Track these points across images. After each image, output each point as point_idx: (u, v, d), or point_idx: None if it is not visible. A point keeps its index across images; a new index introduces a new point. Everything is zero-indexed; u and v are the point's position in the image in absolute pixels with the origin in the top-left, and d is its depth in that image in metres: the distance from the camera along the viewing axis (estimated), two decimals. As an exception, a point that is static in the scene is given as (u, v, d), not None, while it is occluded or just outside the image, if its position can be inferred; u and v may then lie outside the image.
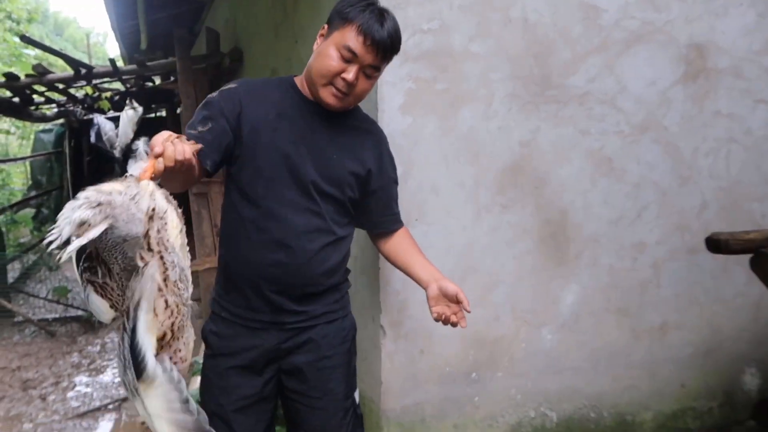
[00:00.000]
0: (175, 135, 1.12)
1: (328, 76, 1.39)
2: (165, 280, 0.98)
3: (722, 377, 2.47)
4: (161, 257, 0.98)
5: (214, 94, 1.47)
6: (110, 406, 3.40)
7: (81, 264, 1.01)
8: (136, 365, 0.95)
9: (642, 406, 2.39)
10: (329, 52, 1.38)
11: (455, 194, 2.11)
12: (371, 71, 1.42)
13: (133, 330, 0.96)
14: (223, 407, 1.50)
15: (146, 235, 0.96)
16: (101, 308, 1.03)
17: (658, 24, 2.22)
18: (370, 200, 1.61)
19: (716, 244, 1.94)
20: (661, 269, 2.34)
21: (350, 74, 1.37)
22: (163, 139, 1.08)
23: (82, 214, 0.91)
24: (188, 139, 1.32)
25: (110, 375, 3.88)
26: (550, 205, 2.21)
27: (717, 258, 2.26)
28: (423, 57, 2.02)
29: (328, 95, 1.42)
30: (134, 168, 1.06)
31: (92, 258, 1.01)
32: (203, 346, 1.62)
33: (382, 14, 1.39)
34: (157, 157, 1.05)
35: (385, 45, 1.38)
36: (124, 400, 3.46)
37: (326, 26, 1.45)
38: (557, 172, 2.20)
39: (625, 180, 2.26)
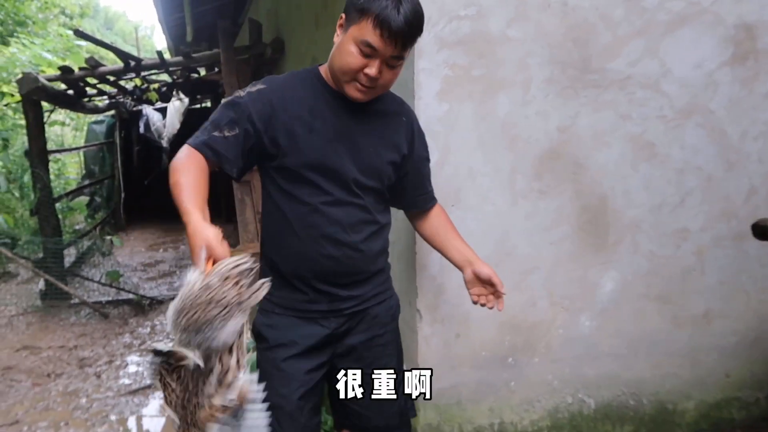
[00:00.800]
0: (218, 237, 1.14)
1: (350, 73, 1.37)
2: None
3: (769, 368, 2.40)
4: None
5: (242, 93, 1.45)
6: (160, 385, 3.55)
7: (163, 357, 1.06)
8: None
9: (683, 395, 2.35)
10: (349, 49, 1.34)
11: (492, 180, 2.11)
12: (394, 61, 1.37)
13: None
14: (287, 397, 1.51)
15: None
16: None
17: (705, 4, 2.15)
18: (405, 181, 1.63)
19: (763, 231, 1.89)
20: (705, 256, 2.29)
21: (373, 69, 1.34)
22: (216, 246, 1.11)
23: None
24: (213, 141, 1.38)
25: (159, 355, 4.04)
26: (589, 191, 2.19)
27: (765, 245, 2.19)
28: (460, 43, 2.02)
29: (353, 91, 1.40)
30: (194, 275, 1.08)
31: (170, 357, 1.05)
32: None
33: (404, 9, 1.31)
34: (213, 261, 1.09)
35: (404, 34, 1.31)
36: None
37: (344, 16, 1.40)
38: (596, 158, 2.17)
39: (667, 165, 2.22)
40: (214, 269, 1.04)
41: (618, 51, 2.12)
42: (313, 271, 1.51)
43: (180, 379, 1.04)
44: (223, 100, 1.49)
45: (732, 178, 2.27)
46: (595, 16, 2.09)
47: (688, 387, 2.36)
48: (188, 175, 1.32)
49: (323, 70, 1.52)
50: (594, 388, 2.30)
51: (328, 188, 1.46)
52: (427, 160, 1.69)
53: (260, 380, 1.58)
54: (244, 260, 1.06)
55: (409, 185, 1.65)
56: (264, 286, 1.09)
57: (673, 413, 2.36)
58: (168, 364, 1.05)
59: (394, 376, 1.64)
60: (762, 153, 2.27)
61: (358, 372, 1.58)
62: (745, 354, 2.38)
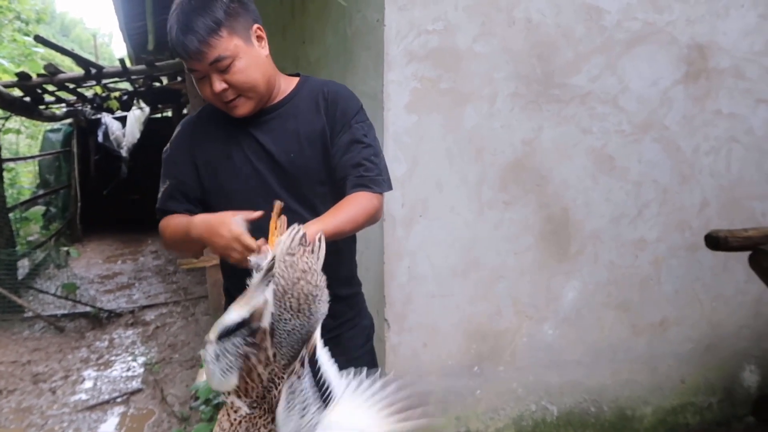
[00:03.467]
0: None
1: (214, 101, 1.32)
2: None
3: (722, 373, 2.50)
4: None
5: (167, 148, 1.45)
6: (118, 400, 3.45)
7: (242, 334, 1.00)
8: (325, 400, 0.98)
9: (642, 401, 2.43)
10: (196, 84, 1.32)
11: (459, 191, 2.15)
12: (222, 64, 1.24)
13: (317, 368, 1.00)
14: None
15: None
16: (226, 381, 1.00)
17: (660, 25, 2.25)
18: (333, 160, 1.40)
19: (715, 242, 1.97)
20: (661, 266, 2.38)
21: (215, 87, 1.26)
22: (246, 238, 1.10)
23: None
24: (169, 197, 1.40)
25: (118, 370, 3.94)
26: (552, 202, 2.25)
27: (717, 255, 2.29)
28: (428, 57, 2.06)
29: (232, 112, 1.33)
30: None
31: (259, 339, 0.99)
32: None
33: (176, 17, 1.24)
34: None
35: (190, 44, 1.21)
36: (132, 393, 3.52)
37: None
38: (559, 170, 2.24)
39: (626, 178, 2.30)
40: (278, 250, 1.01)
41: (579, 67, 2.20)
42: None
43: (265, 358, 0.98)
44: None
45: (686, 191, 2.37)
46: (557, 33, 2.16)
47: (646, 393, 2.43)
48: (171, 221, 1.37)
49: None
50: (557, 396, 2.35)
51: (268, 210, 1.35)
52: (363, 144, 1.39)
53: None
54: (295, 230, 1.04)
55: (337, 162, 1.39)
56: (321, 241, 1.07)
57: (632, 419, 2.43)
58: (249, 341, 0.99)
59: None
60: (713, 167, 2.38)
61: None
62: (700, 360, 2.47)
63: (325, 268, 1.19)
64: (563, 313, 2.32)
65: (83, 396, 3.53)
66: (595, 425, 2.39)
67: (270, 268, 1.01)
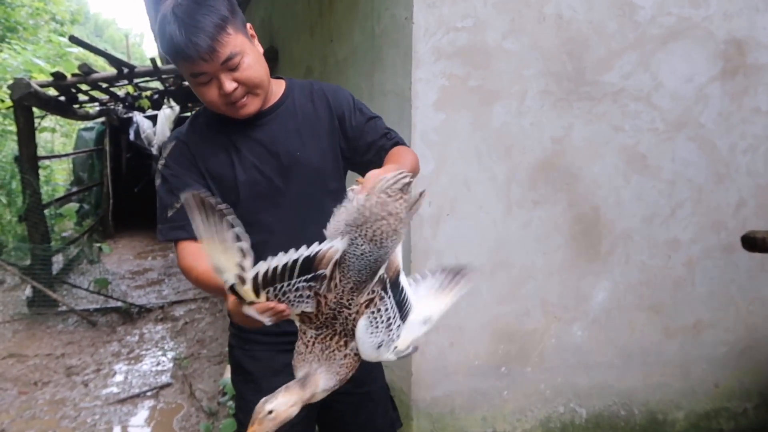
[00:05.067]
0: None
1: (219, 104, 1.28)
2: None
3: (758, 378, 2.43)
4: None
5: (161, 167, 1.36)
6: (148, 393, 3.52)
7: (304, 279, 1.01)
8: (404, 316, 1.05)
9: (674, 405, 2.37)
10: (196, 90, 1.27)
11: (487, 189, 2.13)
12: (232, 62, 1.22)
13: (400, 289, 1.05)
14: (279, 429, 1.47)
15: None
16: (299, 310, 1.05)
17: (696, 20, 2.20)
18: (356, 143, 1.42)
19: (752, 242, 1.91)
20: (695, 267, 2.32)
21: (226, 87, 1.23)
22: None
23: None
24: (175, 223, 1.30)
25: (148, 364, 4.01)
26: (582, 201, 2.22)
27: (754, 257, 2.23)
28: (457, 54, 2.04)
29: (238, 112, 1.29)
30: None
31: (329, 275, 1.01)
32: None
33: (176, 19, 1.18)
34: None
35: (202, 45, 1.17)
36: (161, 388, 3.58)
37: None
38: (590, 169, 2.20)
39: (659, 177, 2.25)
40: (377, 185, 1.03)
41: (611, 64, 2.16)
42: None
43: (332, 286, 1.02)
44: (156, 188, 1.38)
45: (722, 191, 2.31)
46: (589, 29, 2.13)
47: (679, 397, 2.38)
48: (200, 261, 1.26)
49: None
50: (586, 398, 2.31)
51: (277, 210, 1.36)
52: (372, 118, 1.44)
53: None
54: (402, 174, 1.04)
55: (362, 146, 1.42)
56: (424, 195, 1.10)
57: (664, 423, 2.38)
58: (310, 283, 1.01)
59: (387, 391, 1.62)
60: (751, 166, 2.32)
61: (351, 395, 1.50)
62: (734, 364, 2.41)
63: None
64: (593, 315, 2.28)
65: (114, 389, 3.60)
66: (625, 429, 2.35)
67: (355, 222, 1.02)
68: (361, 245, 1.01)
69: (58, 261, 5.85)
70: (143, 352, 4.23)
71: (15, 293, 5.56)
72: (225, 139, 1.36)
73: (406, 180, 1.04)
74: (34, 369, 3.90)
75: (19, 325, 4.76)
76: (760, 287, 2.37)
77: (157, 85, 7.27)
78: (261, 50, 1.33)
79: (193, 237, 1.28)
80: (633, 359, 2.32)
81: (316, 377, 1.06)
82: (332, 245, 1.00)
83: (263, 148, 1.36)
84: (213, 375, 3.71)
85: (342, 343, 1.06)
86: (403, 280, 1.06)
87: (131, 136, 8.20)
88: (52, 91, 5.58)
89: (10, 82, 5.13)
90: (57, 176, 9.99)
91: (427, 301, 1.09)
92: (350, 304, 1.03)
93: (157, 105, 7.83)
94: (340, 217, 1.04)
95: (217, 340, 4.35)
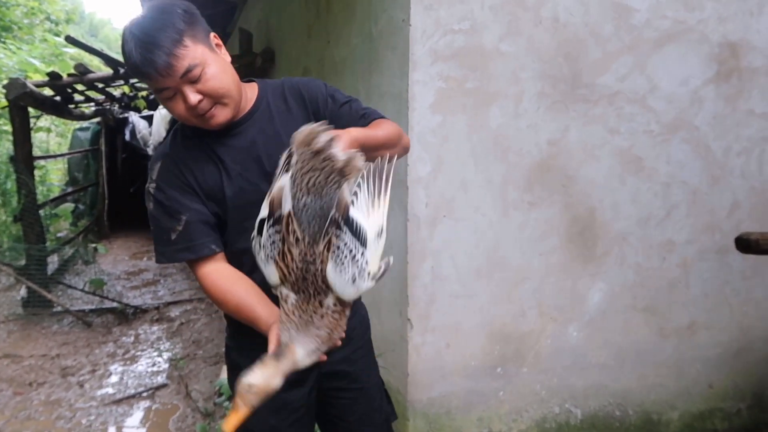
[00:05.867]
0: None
1: (188, 117, 1.26)
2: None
3: (752, 378, 2.45)
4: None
5: (153, 191, 1.33)
6: (144, 394, 3.51)
7: (269, 226, 1.09)
8: (363, 242, 1.07)
9: (669, 406, 2.39)
10: (165, 105, 1.27)
11: (484, 191, 2.14)
12: (193, 74, 1.21)
13: (353, 221, 1.07)
14: (278, 427, 1.45)
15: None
16: (273, 275, 1.10)
17: (691, 23, 2.21)
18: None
19: (746, 244, 1.93)
20: (690, 269, 2.34)
21: (190, 99, 1.21)
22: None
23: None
24: (182, 244, 1.31)
25: (143, 365, 4.00)
26: (578, 203, 2.23)
27: (748, 258, 2.25)
28: (454, 57, 2.05)
29: (208, 123, 1.28)
30: None
31: (285, 224, 1.07)
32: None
33: (133, 37, 1.19)
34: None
35: (158, 59, 1.17)
36: (157, 388, 3.57)
37: None
38: (586, 171, 2.21)
39: (654, 179, 2.27)
40: (300, 138, 1.10)
41: (607, 66, 2.17)
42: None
43: (294, 239, 1.07)
44: (149, 211, 1.37)
45: (716, 193, 2.33)
46: (585, 32, 2.14)
47: (673, 397, 2.39)
48: (231, 288, 1.31)
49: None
50: (581, 399, 2.33)
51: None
52: (347, 102, 1.43)
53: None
54: (330, 135, 1.09)
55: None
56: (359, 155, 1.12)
57: (658, 423, 2.39)
58: (277, 228, 1.07)
59: (382, 386, 1.64)
60: (745, 168, 2.34)
61: (348, 391, 1.54)
62: (728, 365, 2.43)
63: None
64: (588, 316, 2.29)
65: (110, 390, 3.59)
66: (620, 429, 2.36)
67: (288, 159, 1.09)
68: (302, 198, 1.06)
69: (53, 261, 5.82)
70: (139, 353, 4.22)
71: (10, 293, 5.54)
72: (208, 151, 1.35)
73: (330, 138, 1.09)
74: (29, 369, 3.88)
75: (14, 325, 4.74)
76: (754, 288, 2.39)
77: (153, 85, 7.23)
78: (228, 59, 1.31)
79: (200, 257, 1.32)
80: (628, 360, 2.34)
81: (291, 346, 1.09)
82: (277, 184, 1.07)
83: (245, 154, 1.35)
84: (209, 376, 3.71)
85: (317, 303, 1.08)
86: (353, 211, 1.07)
87: (127, 137, 8.17)
88: (47, 91, 5.56)
89: (6, 81, 5.11)
90: (52, 176, 9.95)
91: (371, 213, 1.09)
92: (314, 259, 1.06)
93: (152, 105, 7.81)
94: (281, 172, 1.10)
95: (212, 341, 4.34)
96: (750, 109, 2.30)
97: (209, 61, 1.23)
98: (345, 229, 1.06)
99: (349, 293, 1.07)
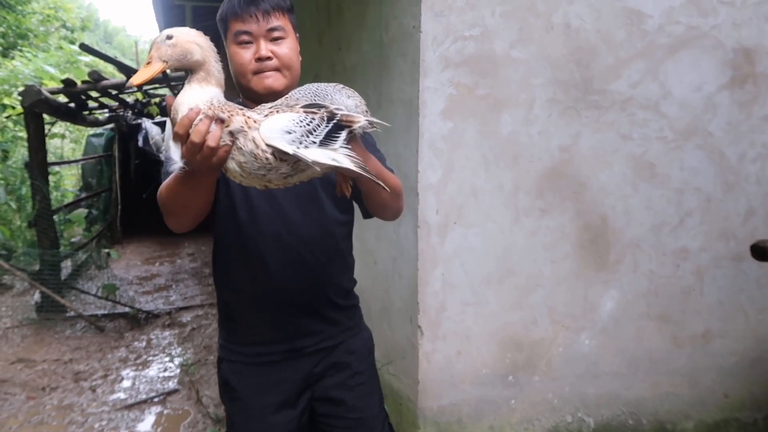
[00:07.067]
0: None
1: (247, 70, 1.32)
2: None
3: (768, 388, 2.41)
4: None
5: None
6: (155, 399, 3.52)
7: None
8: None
9: (683, 415, 2.36)
10: (233, 51, 1.33)
11: (494, 198, 2.13)
12: (273, 34, 1.31)
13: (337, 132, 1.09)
14: None
15: None
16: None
17: (704, 29, 2.19)
18: None
19: (761, 252, 1.90)
20: (704, 276, 2.31)
21: (261, 50, 1.30)
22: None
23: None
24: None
25: (155, 370, 4.02)
26: (590, 210, 2.21)
27: (763, 266, 2.22)
28: (465, 63, 2.05)
29: (261, 82, 1.32)
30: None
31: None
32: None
33: None
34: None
35: (263, 5, 1.30)
36: (168, 394, 3.58)
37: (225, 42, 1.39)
38: (598, 177, 2.20)
39: (667, 186, 2.25)
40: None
41: (619, 72, 2.16)
42: (271, 302, 1.41)
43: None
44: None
45: (731, 200, 2.30)
46: (597, 38, 2.13)
47: (688, 407, 2.36)
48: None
49: None
50: (594, 407, 2.30)
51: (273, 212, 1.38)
52: (373, 145, 1.49)
53: None
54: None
55: None
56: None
57: (673, 433, 2.36)
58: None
59: (385, 418, 1.57)
60: (760, 175, 2.31)
61: (343, 419, 1.48)
62: (744, 374, 2.39)
63: (329, 278, 1.43)
64: (601, 324, 2.27)
65: (122, 395, 3.61)
66: (633, 439, 2.33)
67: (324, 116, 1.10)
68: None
69: (66, 266, 5.87)
70: (150, 358, 4.24)
71: (24, 298, 5.60)
72: None
73: (364, 120, 1.13)
74: (42, 374, 3.91)
75: (27, 330, 4.78)
76: (770, 297, 2.36)
77: (165, 92, 7.32)
78: (298, 48, 1.41)
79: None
80: (641, 369, 2.31)
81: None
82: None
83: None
84: (220, 381, 3.71)
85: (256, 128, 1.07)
86: (343, 135, 1.08)
87: (140, 143, 8.25)
88: (62, 98, 5.63)
89: (21, 89, 5.18)
90: (66, 182, 10.06)
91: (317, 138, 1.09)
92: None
93: (165, 112, 7.88)
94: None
95: (223, 347, 4.35)
96: (765, 115, 2.28)
97: (292, 38, 1.36)
98: (328, 124, 1.07)
99: (270, 130, 1.04)
